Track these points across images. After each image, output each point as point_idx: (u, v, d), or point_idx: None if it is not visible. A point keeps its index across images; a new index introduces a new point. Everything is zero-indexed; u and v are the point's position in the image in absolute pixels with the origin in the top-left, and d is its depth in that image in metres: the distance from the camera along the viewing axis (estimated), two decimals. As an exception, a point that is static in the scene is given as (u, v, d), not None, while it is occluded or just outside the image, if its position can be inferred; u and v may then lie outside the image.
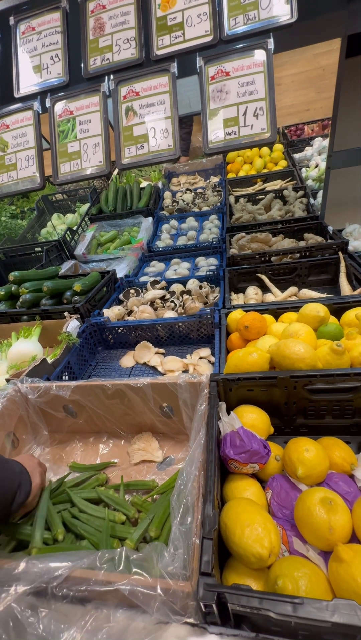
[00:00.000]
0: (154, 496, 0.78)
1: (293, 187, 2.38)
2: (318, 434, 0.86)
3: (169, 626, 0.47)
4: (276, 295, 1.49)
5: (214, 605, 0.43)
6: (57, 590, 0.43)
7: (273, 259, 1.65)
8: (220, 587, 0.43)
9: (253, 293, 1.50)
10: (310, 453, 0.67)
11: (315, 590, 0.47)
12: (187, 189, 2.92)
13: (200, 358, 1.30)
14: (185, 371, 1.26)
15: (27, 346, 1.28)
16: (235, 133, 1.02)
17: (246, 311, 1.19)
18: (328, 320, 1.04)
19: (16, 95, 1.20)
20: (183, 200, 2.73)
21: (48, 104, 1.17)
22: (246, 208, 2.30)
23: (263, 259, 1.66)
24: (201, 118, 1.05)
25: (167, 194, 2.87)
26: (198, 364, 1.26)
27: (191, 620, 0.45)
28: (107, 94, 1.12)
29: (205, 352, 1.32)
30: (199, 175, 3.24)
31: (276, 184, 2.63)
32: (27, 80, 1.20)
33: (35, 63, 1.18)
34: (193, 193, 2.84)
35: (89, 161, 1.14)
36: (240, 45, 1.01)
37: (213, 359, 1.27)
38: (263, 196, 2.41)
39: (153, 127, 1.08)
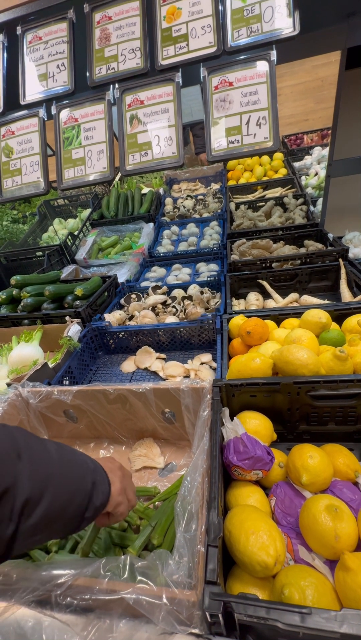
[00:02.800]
0: (156, 503, 0.77)
1: (293, 194, 2.41)
2: (321, 440, 0.86)
3: (173, 637, 0.46)
4: (277, 301, 1.49)
5: (220, 615, 0.42)
6: (61, 599, 0.42)
7: (273, 265, 1.66)
8: (226, 596, 0.42)
9: (254, 299, 1.51)
10: (314, 460, 0.67)
11: (321, 599, 0.47)
12: (188, 196, 2.95)
13: (202, 363, 1.30)
14: (186, 376, 1.25)
15: (28, 350, 1.27)
16: (238, 141, 1.03)
17: (248, 317, 1.19)
18: (330, 326, 1.04)
19: (22, 102, 1.21)
20: (184, 207, 2.75)
21: (54, 111, 1.19)
22: (247, 215, 2.32)
23: (263, 265, 1.67)
24: (204, 126, 1.07)
25: (168, 200, 2.89)
26: (200, 370, 1.25)
27: (196, 630, 0.44)
28: (112, 101, 1.13)
29: (207, 357, 1.32)
30: (200, 182, 3.27)
31: (277, 192, 2.66)
32: (33, 88, 1.22)
33: (42, 71, 1.20)
34: (193, 200, 2.87)
35: (93, 167, 1.15)
36: (243, 57, 1.03)
37: (214, 364, 1.27)
38: (264, 203, 2.43)
39: (157, 135, 1.09)
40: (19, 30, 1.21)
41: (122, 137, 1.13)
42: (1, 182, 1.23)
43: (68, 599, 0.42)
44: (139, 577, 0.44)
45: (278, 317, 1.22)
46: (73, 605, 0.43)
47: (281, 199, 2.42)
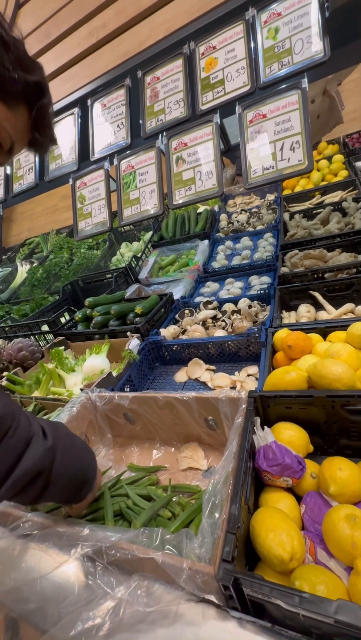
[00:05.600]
0: (197, 499, 0.87)
1: (353, 197, 2.29)
2: (364, 456, 0.85)
3: (198, 605, 0.56)
4: (329, 312, 1.46)
5: (231, 588, 0.50)
6: (109, 550, 0.56)
7: (326, 275, 1.63)
8: (237, 572, 0.50)
9: (305, 311, 1.51)
10: (344, 472, 0.69)
11: (331, 597, 0.51)
12: (242, 210, 3.02)
13: (248, 375, 1.36)
14: (233, 387, 1.33)
15: (97, 361, 1.51)
16: (273, 167, 1.11)
17: (293, 330, 1.21)
18: (378, 340, 1.01)
19: (92, 159, 1.49)
20: (238, 221, 2.83)
21: (115, 162, 1.43)
22: (301, 224, 2.29)
23: (315, 276, 1.65)
24: (240, 157, 1.17)
25: (222, 216, 3.01)
26: (246, 381, 1.32)
27: (214, 598, 0.52)
28: (161, 148, 1.32)
29: (253, 369, 1.37)
30: (254, 194, 3.31)
31: (336, 196, 2.55)
32: (100, 145, 1.49)
33: (106, 131, 1.47)
34: (247, 213, 2.93)
35: (146, 205, 1.35)
36: (275, 90, 1.11)
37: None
38: (322, 210, 2.36)
39: (199, 171, 1.23)
40: (89, 102, 1.50)
41: (170, 177, 1.30)
42: (77, 225, 1.52)
43: (113, 551, 0.55)
44: (167, 546, 0.55)
45: (325, 330, 1.21)
46: (117, 558, 0.56)
47: (339, 203, 2.32)
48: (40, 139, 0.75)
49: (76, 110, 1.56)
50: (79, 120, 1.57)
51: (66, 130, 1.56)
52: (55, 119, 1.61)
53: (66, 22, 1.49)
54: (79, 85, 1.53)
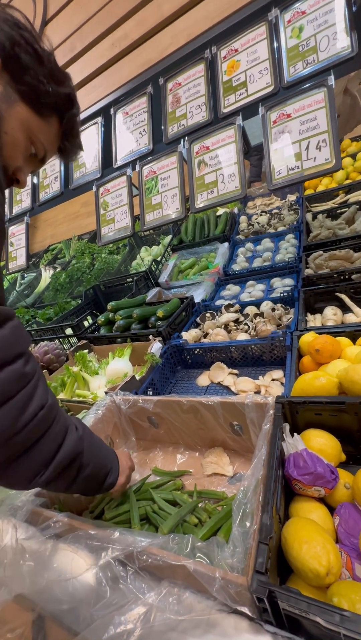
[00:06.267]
0: (224, 506, 0.85)
1: (380, 195, 2.20)
2: None
3: (230, 616, 0.55)
4: (358, 315, 1.41)
5: (266, 601, 0.48)
6: (140, 555, 0.55)
7: (353, 276, 1.57)
8: (271, 585, 0.49)
9: (331, 314, 1.46)
10: (381, 483, 0.66)
11: (373, 616, 0.48)
12: (262, 212, 2.98)
13: (273, 380, 1.33)
14: (257, 392, 1.30)
15: (120, 365, 1.53)
16: (298, 167, 1.08)
17: (320, 333, 1.18)
18: None
19: (114, 166, 1.52)
20: (258, 223, 2.80)
21: (137, 168, 1.45)
22: (325, 224, 2.23)
23: (342, 277, 1.60)
24: (264, 158, 1.15)
25: (242, 218, 2.99)
26: (270, 386, 1.29)
27: (247, 610, 0.51)
28: (183, 153, 1.33)
29: (278, 374, 1.34)
30: (275, 195, 3.26)
31: (361, 194, 2.46)
32: (122, 152, 1.52)
33: (128, 138, 1.49)
34: (268, 215, 2.89)
35: (168, 209, 1.36)
36: (300, 89, 1.09)
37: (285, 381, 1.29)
38: (346, 209, 2.29)
39: (222, 174, 1.23)
40: (111, 111, 1.54)
41: (191, 180, 1.31)
42: (100, 230, 1.55)
43: (144, 556, 0.55)
44: (198, 554, 0.54)
45: (354, 333, 1.16)
46: (148, 564, 0.56)
47: (365, 202, 2.24)
48: (69, 147, 0.78)
49: (99, 119, 1.60)
50: (102, 128, 1.61)
51: (89, 139, 1.60)
52: (79, 129, 1.66)
53: (89, 36, 1.53)
54: (102, 95, 1.56)
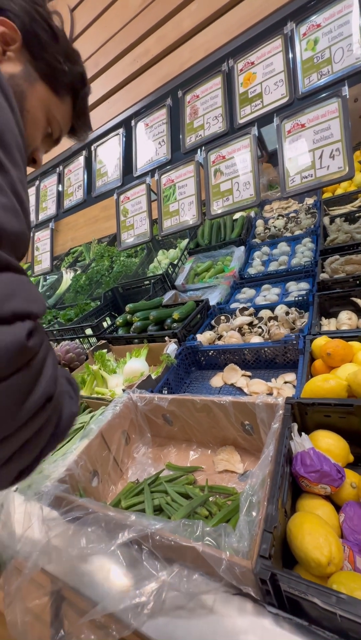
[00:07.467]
0: (233, 500, 0.89)
1: None
2: None
3: (235, 597, 0.59)
4: (372, 320, 1.41)
5: (268, 583, 0.53)
6: (153, 536, 0.61)
7: (369, 281, 1.57)
8: (274, 568, 0.53)
9: (346, 318, 1.47)
10: (386, 483, 0.68)
11: (371, 604, 0.51)
12: (279, 215, 2.99)
13: (285, 382, 1.35)
14: (270, 394, 1.33)
15: (137, 364, 1.60)
16: (311, 176, 1.11)
17: (333, 338, 1.19)
18: None
19: (135, 175, 1.60)
20: (275, 227, 2.81)
21: (156, 177, 1.52)
22: (343, 228, 2.21)
23: (358, 282, 1.60)
24: (278, 167, 1.19)
25: (259, 222, 3.00)
26: (283, 388, 1.31)
27: (251, 591, 0.55)
28: (200, 162, 1.38)
29: (290, 377, 1.36)
30: (292, 199, 3.26)
31: (381, 198, 2.43)
32: (142, 162, 1.59)
33: (148, 148, 1.57)
34: (285, 218, 2.89)
35: (185, 216, 1.41)
36: (314, 100, 1.12)
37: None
38: (364, 213, 2.27)
39: (237, 182, 1.27)
40: (132, 122, 1.62)
41: (208, 188, 1.36)
42: (120, 236, 1.63)
43: (158, 537, 0.61)
44: (207, 538, 0.59)
45: (368, 338, 1.18)
46: (161, 543, 0.61)
47: (385, 205, 2.21)
48: (81, 125, 0.77)
49: (120, 130, 1.68)
50: (124, 139, 1.69)
51: (111, 150, 1.69)
52: (102, 140, 1.75)
53: (112, 53, 1.62)
54: (124, 108, 1.65)
